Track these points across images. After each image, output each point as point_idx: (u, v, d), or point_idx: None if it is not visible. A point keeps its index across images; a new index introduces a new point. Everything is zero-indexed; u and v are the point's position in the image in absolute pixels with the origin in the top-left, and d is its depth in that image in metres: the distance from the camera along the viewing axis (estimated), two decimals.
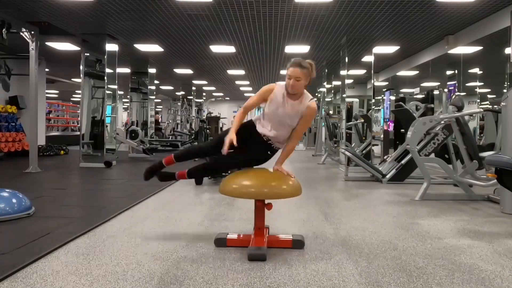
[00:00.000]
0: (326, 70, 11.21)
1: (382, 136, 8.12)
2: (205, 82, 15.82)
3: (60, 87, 16.88)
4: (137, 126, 11.11)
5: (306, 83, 2.59)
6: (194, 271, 2.22)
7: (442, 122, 5.06)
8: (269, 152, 2.74)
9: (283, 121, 2.63)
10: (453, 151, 5.54)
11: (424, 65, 9.26)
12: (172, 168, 2.93)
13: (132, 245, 2.69)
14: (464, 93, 8.06)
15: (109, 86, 8.09)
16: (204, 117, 13.93)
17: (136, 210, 3.84)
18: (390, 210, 4.00)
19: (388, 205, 4.27)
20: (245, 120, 2.76)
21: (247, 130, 2.70)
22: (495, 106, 7.94)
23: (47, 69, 11.60)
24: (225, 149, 2.57)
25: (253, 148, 2.71)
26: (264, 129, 2.68)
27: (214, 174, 2.70)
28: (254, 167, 2.78)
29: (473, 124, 7.58)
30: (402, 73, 10.67)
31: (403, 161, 5.99)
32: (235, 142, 2.55)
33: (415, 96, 11.13)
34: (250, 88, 17.38)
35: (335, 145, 9.02)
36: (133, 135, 10.37)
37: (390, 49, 8.75)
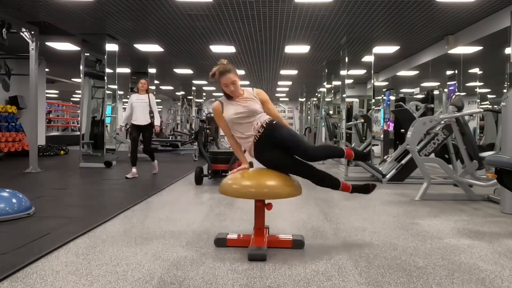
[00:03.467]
0: (326, 70, 11.19)
1: (382, 136, 8.12)
2: (205, 82, 15.82)
3: (60, 87, 16.88)
4: None
5: (239, 80, 2.73)
6: (194, 271, 2.22)
7: (442, 122, 5.06)
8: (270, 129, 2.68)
9: (251, 113, 2.66)
10: (453, 151, 5.54)
11: (424, 65, 9.25)
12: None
13: (132, 245, 2.69)
14: (464, 93, 8.05)
15: (109, 86, 8.08)
16: (204, 117, 13.93)
17: (136, 210, 3.84)
18: (390, 210, 4.00)
19: (388, 205, 4.27)
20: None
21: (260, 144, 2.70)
22: (495, 106, 7.94)
23: (47, 69, 11.59)
24: (234, 171, 2.71)
25: (275, 147, 2.65)
26: (252, 131, 2.66)
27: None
28: (255, 167, 2.79)
29: (473, 124, 7.58)
30: (402, 73, 10.66)
31: (403, 161, 5.99)
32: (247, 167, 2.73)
33: (415, 96, 11.13)
34: (250, 89, 17.34)
35: (335, 145, 9.02)
36: None
37: (390, 49, 8.74)
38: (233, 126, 2.71)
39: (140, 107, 6.11)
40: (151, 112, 6.21)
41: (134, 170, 6.15)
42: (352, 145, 9.08)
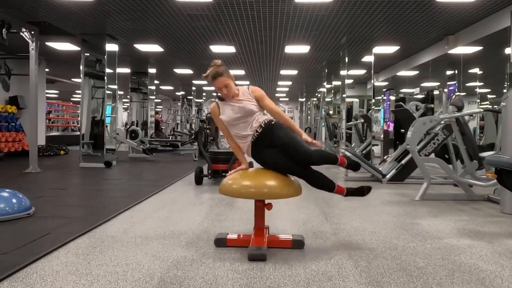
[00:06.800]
0: (326, 70, 11.20)
1: (382, 136, 8.11)
2: (205, 82, 15.79)
3: (60, 87, 16.87)
4: (137, 126, 11.11)
5: (233, 81, 2.71)
6: (194, 271, 2.22)
7: (442, 122, 5.06)
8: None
9: (246, 113, 2.64)
10: (453, 151, 5.54)
11: (424, 65, 9.25)
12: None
13: (132, 245, 2.69)
14: (464, 93, 8.05)
15: (109, 86, 8.08)
16: (204, 117, 13.93)
17: (136, 210, 3.84)
18: (390, 210, 4.00)
19: (388, 205, 4.27)
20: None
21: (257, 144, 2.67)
22: (495, 106, 7.94)
23: (47, 69, 11.59)
24: (232, 171, 2.73)
25: (271, 148, 2.63)
26: (249, 131, 2.64)
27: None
28: (255, 168, 2.79)
29: (473, 124, 7.57)
30: (402, 73, 10.66)
31: (403, 161, 5.99)
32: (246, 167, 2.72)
33: (415, 96, 11.13)
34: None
35: (335, 145, 9.03)
36: (133, 135, 10.38)
37: (390, 49, 8.74)
38: (230, 127, 2.70)
39: None
40: None
41: None
42: (352, 145, 9.08)
